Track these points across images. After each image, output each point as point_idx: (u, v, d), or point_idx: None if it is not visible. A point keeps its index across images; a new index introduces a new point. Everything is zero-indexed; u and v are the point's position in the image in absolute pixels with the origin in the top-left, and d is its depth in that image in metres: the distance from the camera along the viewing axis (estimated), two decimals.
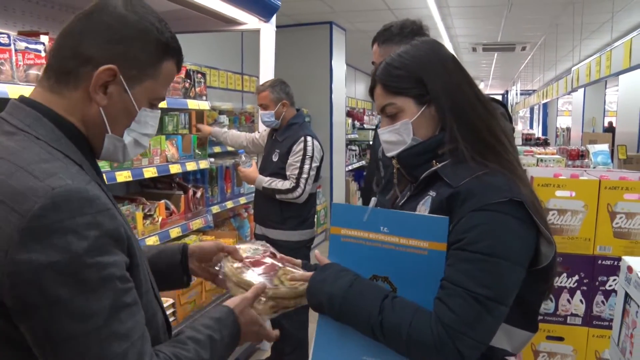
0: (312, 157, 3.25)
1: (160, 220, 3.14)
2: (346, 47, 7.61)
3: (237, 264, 1.35)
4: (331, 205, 1.18)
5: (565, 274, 1.93)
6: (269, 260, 1.40)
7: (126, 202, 2.98)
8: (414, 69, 1.26)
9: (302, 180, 3.22)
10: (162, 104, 3.04)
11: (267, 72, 3.59)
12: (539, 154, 5.38)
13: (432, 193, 1.23)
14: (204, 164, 3.51)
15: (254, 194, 3.62)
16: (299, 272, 1.34)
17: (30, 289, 0.78)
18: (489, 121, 1.24)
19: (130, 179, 2.82)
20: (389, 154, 1.34)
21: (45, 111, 0.93)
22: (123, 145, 1.02)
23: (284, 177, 3.27)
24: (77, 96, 0.95)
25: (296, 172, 3.23)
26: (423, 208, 1.24)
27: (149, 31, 0.97)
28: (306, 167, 3.22)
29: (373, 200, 1.25)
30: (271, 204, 3.29)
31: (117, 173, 2.69)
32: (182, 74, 3.31)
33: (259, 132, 3.74)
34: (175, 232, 3.24)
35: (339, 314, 1.18)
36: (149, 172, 2.95)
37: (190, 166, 3.35)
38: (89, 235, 0.81)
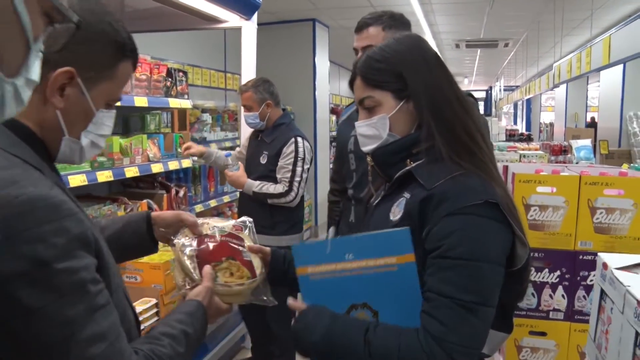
0: (303, 159, 3.15)
1: None
2: (329, 43, 7.61)
3: (188, 241, 1.30)
4: (291, 248, 1.13)
5: (547, 270, 1.94)
6: (230, 243, 1.35)
7: (108, 202, 2.95)
8: (395, 63, 1.24)
9: (295, 184, 3.11)
10: (143, 103, 3.03)
11: (249, 70, 3.57)
12: (522, 149, 5.42)
13: (407, 195, 1.22)
14: (186, 163, 3.48)
15: (238, 195, 3.57)
16: (244, 271, 1.29)
17: (2, 301, 0.76)
18: (465, 120, 1.23)
19: (112, 178, 2.78)
20: (364, 148, 1.32)
21: None
22: (80, 147, 1.01)
23: (274, 180, 3.15)
24: (33, 99, 0.91)
25: (288, 175, 3.11)
26: (397, 210, 1.22)
27: (107, 32, 0.97)
28: (298, 169, 3.12)
29: (331, 230, 1.26)
30: (260, 208, 3.12)
31: (98, 173, 2.66)
32: (164, 73, 3.28)
33: (239, 147, 3.63)
34: None
35: (328, 358, 1.17)
36: (131, 172, 2.92)
37: (173, 165, 3.32)
38: (57, 242, 0.80)
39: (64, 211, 0.82)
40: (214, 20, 3.42)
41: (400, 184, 1.26)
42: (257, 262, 1.34)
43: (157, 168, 3.17)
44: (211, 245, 1.31)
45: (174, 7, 3.09)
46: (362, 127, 1.29)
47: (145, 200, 3.22)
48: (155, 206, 3.29)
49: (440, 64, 1.28)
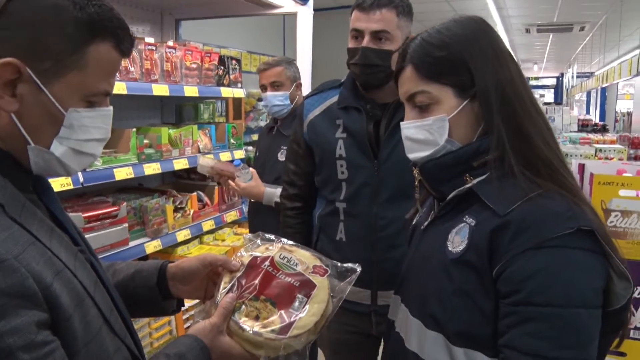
0: None
1: (192, 213, 3.05)
2: None
3: (227, 287, 1.05)
4: None
5: None
6: (292, 282, 1.06)
7: (156, 195, 2.90)
8: (460, 51, 1.01)
9: None
10: (194, 93, 2.95)
11: (304, 56, 3.43)
12: (597, 142, 5.04)
13: (470, 220, 0.99)
14: (239, 154, 3.39)
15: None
16: (276, 322, 1.01)
17: None
18: (541, 125, 1.01)
19: (159, 171, 2.73)
20: (412, 156, 1.09)
21: None
22: (55, 157, 0.82)
23: None
24: None
25: None
26: (458, 239, 1.00)
27: (62, 8, 0.77)
28: None
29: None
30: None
31: (145, 166, 2.60)
32: (215, 61, 3.19)
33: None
34: (208, 225, 3.14)
35: None
36: (180, 164, 2.85)
37: (224, 156, 3.23)
38: None
39: None
40: (269, 5, 3.31)
41: (456, 204, 1.05)
42: (304, 323, 1.01)
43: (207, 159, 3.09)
44: (260, 275, 1.06)
45: None
46: (411, 128, 1.06)
47: (195, 193, 3.16)
48: (206, 199, 3.22)
49: (511, 55, 1.05)
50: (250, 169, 2.64)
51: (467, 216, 1.00)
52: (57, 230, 0.83)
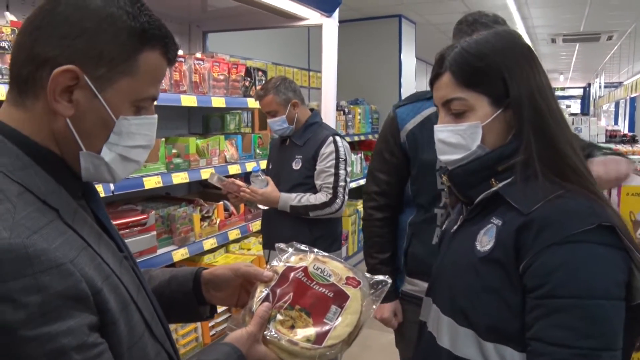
0: (345, 160, 2.68)
1: (218, 222, 3.09)
2: (416, 40, 7.36)
3: (262, 295, 1.06)
4: None
5: None
6: (325, 293, 1.07)
7: (183, 204, 2.95)
8: (497, 63, 1.05)
9: (340, 190, 2.63)
10: (221, 103, 3.00)
11: (330, 68, 3.46)
12: (626, 153, 4.95)
13: (497, 221, 1.03)
14: (265, 165, 3.42)
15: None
16: (311, 332, 1.01)
17: None
18: (567, 133, 1.05)
19: (187, 180, 2.77)
20: (443, 158, 1.13)
21: (9, 133, 0.79)
22: (104, 163, 0.84)
23: (310, 189, 2.67)
24: (39, 108, 0.80)
25: (331, 180, 2.63)
26: (485, 239, 1.04)
27: (117, 18, 0.80)
28: (342, 172, 2.65)
29: None
30: (296, 223, 2.64)
31: (173, 175, 2.66)
32: (242, 72, 3.24)
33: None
34: (234, 234, 3.18)
35: None
36: (207, 174, 2.89)
37: (251, 166, 3.27)
38: (28, 302, 0.65)
39: (42, 263, 0.68)
40: (295, 18, 3.35)
41: (483, 207, 1.08)
42: (339, 333, 1.02)
43: (234, 169, 3.14)
44: (295, 285, 1.07)
45: (254, 5, 3.04)
46: (445, 132, 1.11)
47: (221, 202, 3.20)
48: (232, 208, 3.26)
49: (542, 67, 1.09)
50: (267, 177, 2.70)
51: (494, 218, 1.04)
52: (104, 237, 0.86)
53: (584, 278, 0.91)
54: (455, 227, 1.18)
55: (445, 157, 1.12)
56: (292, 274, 1.09)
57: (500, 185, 1.05)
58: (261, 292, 1.06)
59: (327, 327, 1.02)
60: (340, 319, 1.04)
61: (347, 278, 1.09)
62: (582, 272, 0.91)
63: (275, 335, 1.01)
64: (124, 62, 0.81)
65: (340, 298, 1.06)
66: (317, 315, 1.04)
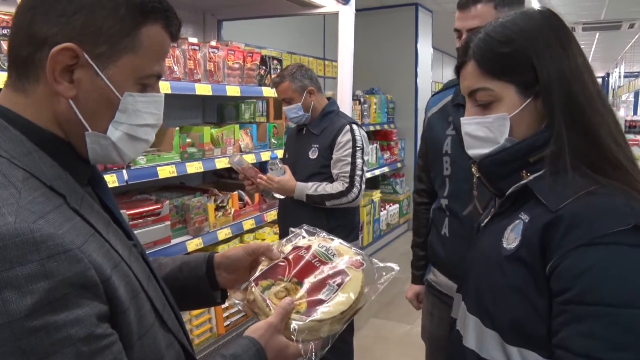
0: (362, 149, 2.63)
1: (233, 211, 3.06)
2: (433, 29, 7.26)
3: (264, 268, 1.10)
4: None
5: None
6: (326, 272, 1.07)
7: (198, 194, 2.92)
8: (525, 47, 0.97)
9: (357, 179, 2.59)
10: (235, 92, 2.96)
11: (346, 56, 3.39)
12: None
13: (524, 216, 0.96)
14: (280, 154, 3.39)
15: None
16: (303, 305, 1.01)
17: None
18: (610, 122, 0.96)
19: (202, 170, 2.75)
20: (470, 152, 1.06)
21: (12, 118, 0.76)
22: (111, 143, 0.81)
23: (326, 179, 2.64)
24: (40, 91, 0.77)
25: (348, 168, 2.59)
26: (512, 236, 0.97)
27: None
28: (359, 161, 2.61)
29: None
30: (313, 212, 2.59)
31: (187, 164, 2.63)
32: (257, 61, 3.19)
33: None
34: (248, 224, 3.16)
35: None
36: (221, 163, 2.88)
37: (266, 156, 3.24)
38: (34, 289, 0.62)
39: (49, 249, 0.65)
40: (311, 5, 3.29)
41: (514, 200, 1.02)
42: (331, 310, 1.01)
43: (249, 159, 3.10)
44: (296, 261, 1.09)
45: None
46: (471, 125, 1.03)
47: (236, 192, 3.18)
48: (246, 198, 3.24)
49: (579, 48, 1.00)
50: (284, 165, 2.67)
51: (522, 213, 0.97)
52: (113, 224, 0.84)
53: (615, 284, 0.82)
54: (485, 220, 1.12)
55: (473, 151, 1.05)
56: (296, 252, 1.12)
57: (531, 177, 0.98)
58: (263, 266, 1.10)
59: (320, 302, 1.02)
60: (337, 297, 1.03)
61: (351, 260, 1.10)
62: (613, 277, 0.83)
63: (267, 303, 1.02)
64: (125, 38, 0.78)
65: (340, 277, 1.06)
66: (313, 290, 1.04)
